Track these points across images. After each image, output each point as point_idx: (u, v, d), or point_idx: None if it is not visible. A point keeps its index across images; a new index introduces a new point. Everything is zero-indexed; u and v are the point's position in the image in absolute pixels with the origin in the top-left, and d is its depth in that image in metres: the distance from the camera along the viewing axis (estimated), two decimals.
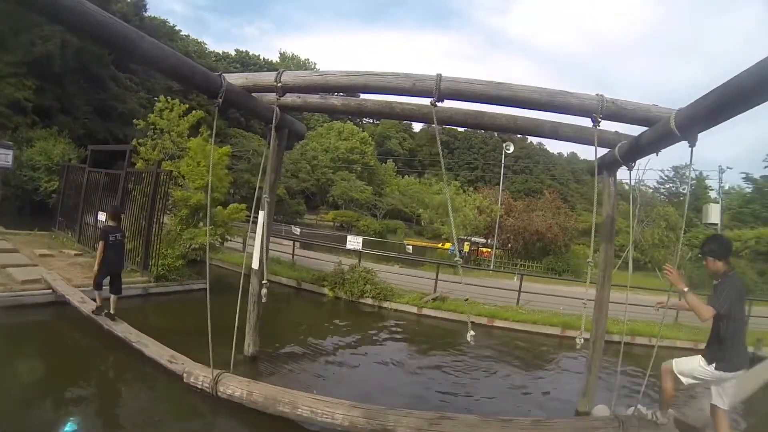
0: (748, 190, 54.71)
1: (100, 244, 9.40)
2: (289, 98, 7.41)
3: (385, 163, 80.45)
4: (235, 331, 7.22)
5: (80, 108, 42.82)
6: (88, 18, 4.29)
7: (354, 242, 22.14)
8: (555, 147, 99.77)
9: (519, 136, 63.78)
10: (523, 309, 16.09)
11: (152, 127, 21.22)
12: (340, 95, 9.12)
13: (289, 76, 6.69)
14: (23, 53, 35.89)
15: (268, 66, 76.20)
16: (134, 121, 23.81)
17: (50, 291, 11.05)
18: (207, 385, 6.74)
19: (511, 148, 38.04)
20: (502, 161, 37.33)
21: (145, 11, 62.60)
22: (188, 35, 76.13)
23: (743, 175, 54.47)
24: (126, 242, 11.34)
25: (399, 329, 13.48)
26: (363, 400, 6.64)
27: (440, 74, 6.04)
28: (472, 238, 34.77)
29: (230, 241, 17.96)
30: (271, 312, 9.29)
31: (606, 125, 6.53)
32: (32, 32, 36.47)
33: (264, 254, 7.97)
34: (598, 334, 7.82)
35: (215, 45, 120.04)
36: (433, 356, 11.15)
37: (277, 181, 8.17)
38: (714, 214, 32.68)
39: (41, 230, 18.77)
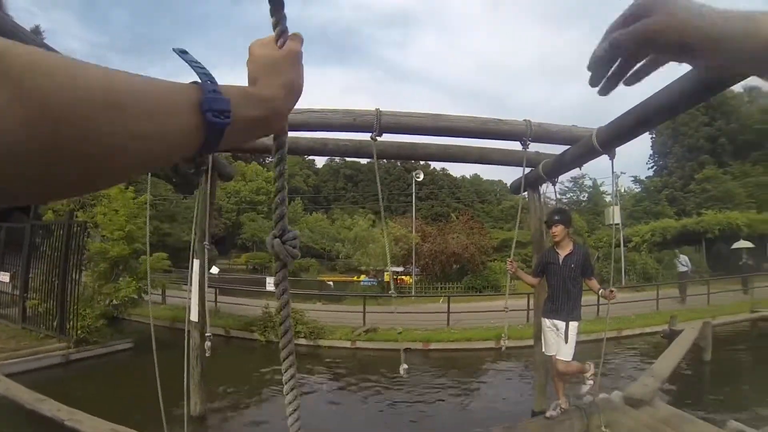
0: (637, 190, 62.52)
1: None
2: None
3: (293, 201, 79.53)
4: (185, 390, 6.77)
5: None
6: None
7: (273, 284, 21.71)
8: (458, 171, 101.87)
9: (422, 162, 65.00)
10: (454, 329, 16.36)
11: None
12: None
13: None
14: None
15: None
16: None
17: None
18: None
19: (421, 176, 38.51)
20: (413, 189, 37.65)
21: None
22: None
23: (632, 178, 63.19)
24: None
25: (340, 365, 13.45)
26: None
27: (379, 109, 6.07)
28: (390, 268, 34.54)
29: (152, 293, 17.35)
30: (206, 364, 8.78)
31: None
32: None
33: (204, 305, 7.56)
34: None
35: None
36: (381, 386, 11.09)
37: (209, 226, 7.84)
38: (615, 215, 34.08)
39: None
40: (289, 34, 0.97)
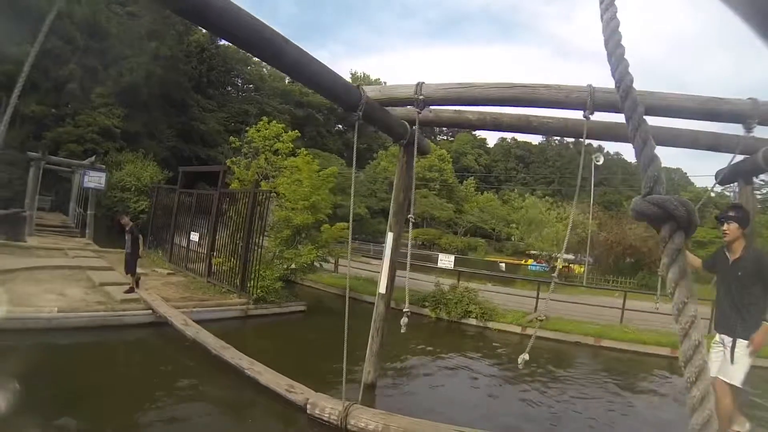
0: None
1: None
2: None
3: (466, 180, 79.15)
4: (367, 357, 6.73)
5: (164, 132, 45.72)
6: (239, 22, 3.91)
7: (446, 261, 21.61)
8: (632, 156, 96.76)
9: (595, 144, 62.45)
10: (627, 328, 15.35)
11: (247, 144, 21.28)
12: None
13: (430, 89, 6.27)
14: (113, 84, 39.15)
15: None
16: (230, 138, 24.08)
17: (150, 311, 11.06)
18: (335, 418, 6.28)
19: (602, 160, 36.45)
20: (592, 174, 36.07)
21: (220, 40, 65.38)
22: (261, 61, 77.26)
23: None
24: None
25: (508, 351, 13.02)
26: (496, 427, 6.20)
27: (591, 85, 5.72)
28: (558, 255, 33.93)
29: (329, 262, 17.82)
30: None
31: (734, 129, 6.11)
32: (120, 65, 39.28)
33: (398, 278, 7.46)
34: None
35: None
36: (547, 378, 10.65)
37: (407, 200, 7.77)
38: None
39: None
40: None
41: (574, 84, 5.92)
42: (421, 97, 6.19)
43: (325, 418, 6.41)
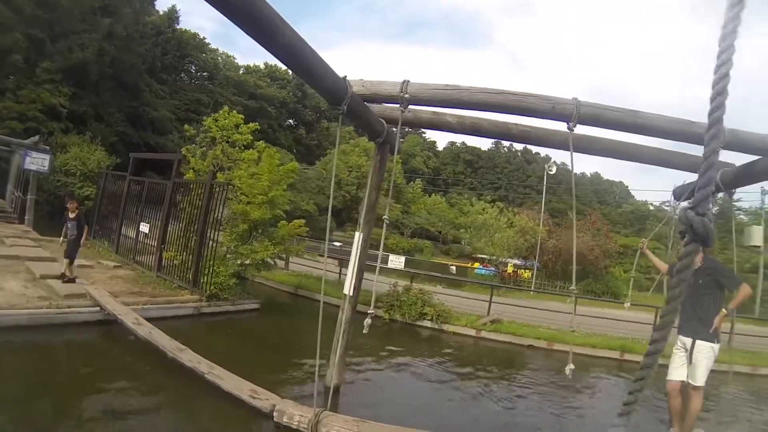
0: None
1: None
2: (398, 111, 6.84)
3: (414, 182, 79.48)
4: (336, 360, 6.54)
5: (113, 115, 43.91)
6: None
7: (396, 262, 21.64)
8: (578, 167, 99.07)
9: (543, 155, 63.37)
10: (577, 332, 15.47)
11: (204, 133, 20.70)
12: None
13: (416, 88, 6.15)
14: (61, 60, 37.01)
15: (297, 80, 75.39)
16: (185, 126, 23.21)
17: (97, 308, 10.29)
18: (305, 426, 5.99)
19: (554, 170, 37.24)
20: (545, 183, 36.77)
21: (177, 24, 64.54)
22: (217, 48, 76.68)
23: None
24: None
25: (465, 353, 13.25)
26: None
27: (577, 98, 5.85)
28: (510, 261, 34.53)
29: (278, 259, 17.48)
30: (332, 336, 8.21)
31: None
32: (70, 39, 37.43)
33: (361, 280, 7.33)
34: None
35: (243, 59, 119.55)
36: (510, 382, 10.89)
37: (377, 199, 7.64)
38: (756, 236, 31.92)
39: None
40: None
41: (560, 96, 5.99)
42: (406, 95, 6.07)
43: (294, 426, 6.13)
